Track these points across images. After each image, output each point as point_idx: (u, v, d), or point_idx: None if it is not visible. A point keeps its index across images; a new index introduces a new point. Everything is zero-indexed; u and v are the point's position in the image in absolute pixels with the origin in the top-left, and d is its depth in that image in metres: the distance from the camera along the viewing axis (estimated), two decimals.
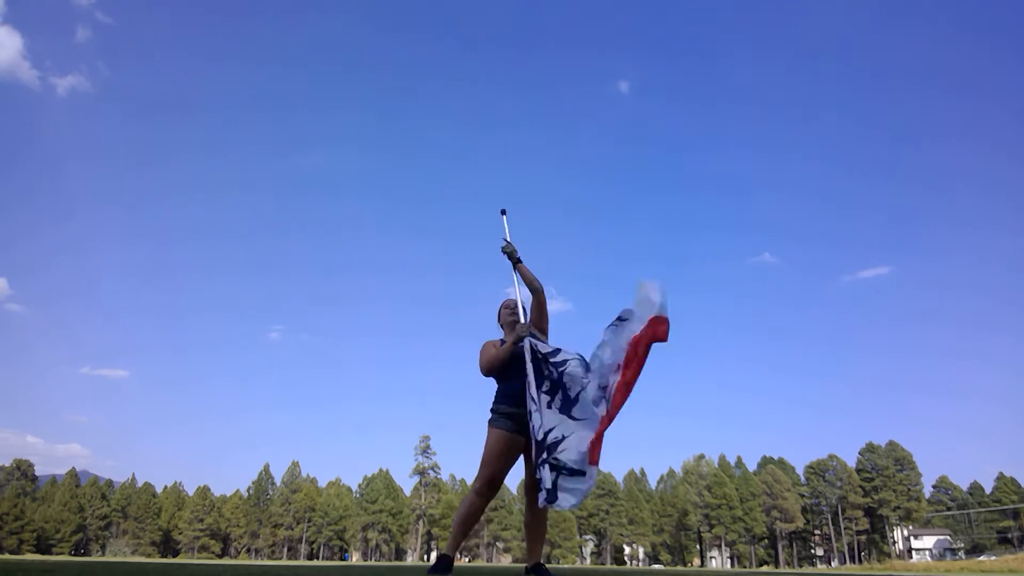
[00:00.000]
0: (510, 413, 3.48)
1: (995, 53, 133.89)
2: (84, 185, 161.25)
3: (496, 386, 3.68)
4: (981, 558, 59.37)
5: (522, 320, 3.69)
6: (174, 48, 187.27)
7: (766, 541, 78.19)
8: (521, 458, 3.53)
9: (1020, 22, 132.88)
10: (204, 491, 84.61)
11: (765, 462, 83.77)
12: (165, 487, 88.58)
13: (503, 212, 4.01)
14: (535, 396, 3.33)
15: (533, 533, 3.49)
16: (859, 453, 79.31)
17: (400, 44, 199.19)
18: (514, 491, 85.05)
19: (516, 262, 3.76)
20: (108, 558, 55.11)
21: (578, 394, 3.33)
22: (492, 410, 3.58)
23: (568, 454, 3.22)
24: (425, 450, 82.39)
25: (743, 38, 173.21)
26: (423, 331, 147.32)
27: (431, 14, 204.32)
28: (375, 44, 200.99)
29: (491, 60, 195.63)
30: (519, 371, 3.47)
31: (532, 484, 3.38)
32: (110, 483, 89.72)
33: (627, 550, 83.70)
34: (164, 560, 56.19)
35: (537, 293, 3.72)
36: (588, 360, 3.44)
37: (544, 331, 3.74)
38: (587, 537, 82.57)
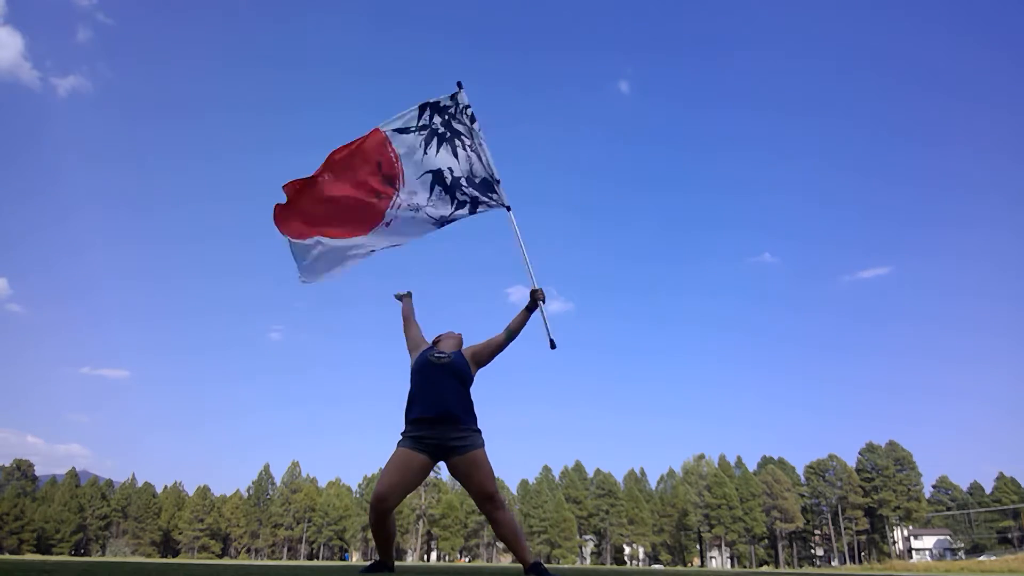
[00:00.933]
0: (418, 436, 3.40)
1: (994, 54, 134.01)
2: (85, 186, 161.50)
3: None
4: (981, 558, 59.36)
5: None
6: (175, 49, 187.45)
7: (766, 541, 78.16)
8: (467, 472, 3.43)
9: (1019, 24, 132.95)
10: (204, 491, 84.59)
11: (765, 462, 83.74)
12: (165, 487, 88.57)
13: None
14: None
15: (511, 538, 3.36)
16: (859, 453, 79.31)
17: (400, 46, 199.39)
18: (514, 491, 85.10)
19: (533, 307, 3.83)
20: (108, 558, 55.09)
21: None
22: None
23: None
24: None
25: (743, 38, 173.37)
26: (423, 330, 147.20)
27: (432, 15, 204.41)
28: (376, 45, 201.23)
29: (492, 61, 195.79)
30: (426, 380, 3.49)
31: (483, 498, 3.34)
32: (110, 483, 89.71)
33: (627, 550, 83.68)
34: (164, 560, 56.18)
35: (509, 337, 3.74)
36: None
37: (479, 363, 3.69)
38: (587, 537, 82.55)
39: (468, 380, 3.56)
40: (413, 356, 3.76)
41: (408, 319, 4.14)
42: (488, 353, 3.69)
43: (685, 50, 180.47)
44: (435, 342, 3.88)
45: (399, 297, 4.25)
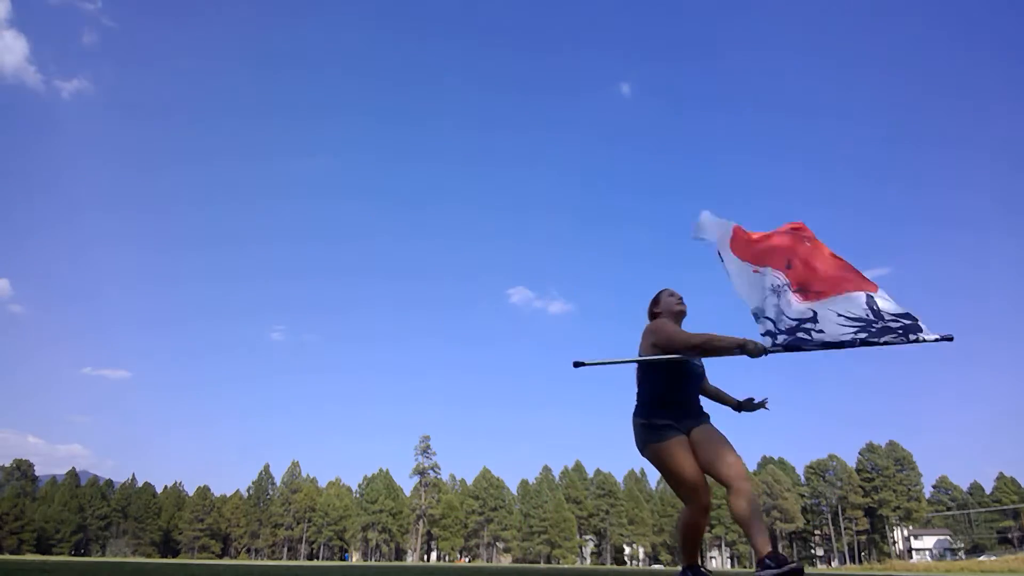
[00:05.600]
0: (667, 425, 3.16)
1: (993, 54, 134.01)
2: (86, 187, 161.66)
3: (650, 387, 3.27)
4: (981, 558, 59.37)
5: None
6: (178, 52, 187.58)
7: None
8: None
9: (1017, 25, 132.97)
10: (204, 491, 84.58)
11: (765, 462, 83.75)
12: (165, 487, 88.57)
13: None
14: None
15: (695, 535, 3.20)
16: (859, 453, 79.33)
17: (403, 50, 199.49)
18: (514, 491, 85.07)
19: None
20: (108, 558, 55.10)
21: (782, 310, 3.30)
22: (649, 423, 3.18)
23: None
24: (425, 450, 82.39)
25: (743, 42, 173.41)
26: (423, 331, 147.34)
27: (434, 19, 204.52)
28: (379, 49, 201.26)
29: (494, 65, 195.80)
30: (677, 375, 3.22)
31: (703, 482, 3.14)
32: (110, 483, 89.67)
33: (627, 550, 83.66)
34: (164, 560, 56.17)
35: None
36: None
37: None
38: (587, 537, 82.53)
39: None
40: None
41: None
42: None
43: (686, 53, 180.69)
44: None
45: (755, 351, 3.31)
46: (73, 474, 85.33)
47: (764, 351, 3.08)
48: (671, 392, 3.23)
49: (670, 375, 3.23)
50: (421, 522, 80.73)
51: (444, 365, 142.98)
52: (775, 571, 2.57)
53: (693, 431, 3.17)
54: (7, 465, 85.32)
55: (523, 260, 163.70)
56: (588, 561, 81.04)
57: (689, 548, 3.29)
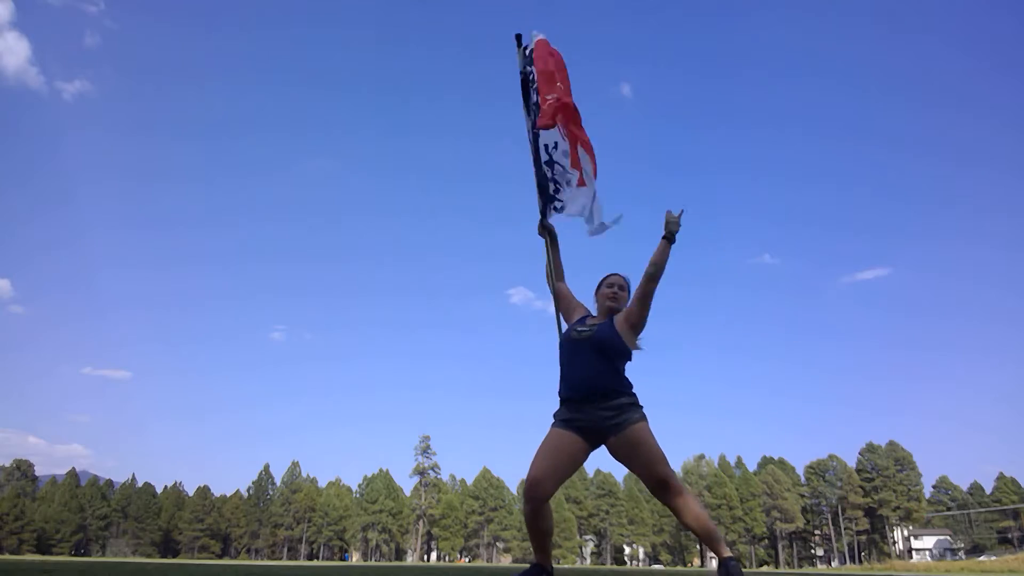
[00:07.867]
0: (568, 419, 2.97)
1: (991, 57, 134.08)
2: (88, 188, 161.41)
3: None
4: (981, 558, 59.36)
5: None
6: (181, 54, 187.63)
7: (766, 541, 78.15)
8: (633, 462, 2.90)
9: (1014, 30, 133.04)
10: (204, 491, 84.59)
11: (765, 462, 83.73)
12: (165, 487, 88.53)
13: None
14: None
15: (697, 529, 2.81)
16: (859, 453, 79.37)
17: (404, 46, 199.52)
18: (514, 491, 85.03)
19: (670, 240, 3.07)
20: (108, 558, 55.09)
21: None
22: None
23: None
24: (425, 450, 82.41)
25: (743, 42, 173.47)
26: (423, 333, 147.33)
27: (433, 18, 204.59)
28: (379, 47, 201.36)
29: (493, 65, 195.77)
30: (575, 357, 3.03)
31: (653, 483, 2.84)
32: (110, 483, 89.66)
33: (627, 550, 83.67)
34: (164, 560, 56.20)
35: (650, 279, 3.03)
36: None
37: (634, 324, 3.05)
38: (587, 537, 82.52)
39: (616, 353, 3.00)
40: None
41: (558, 277, 3.77)
42: (637, 311, 3.05)
43: (686, 52, 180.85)
44: (597, 292, 3.41)
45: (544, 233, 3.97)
46: (73, 474, 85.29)
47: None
48: None
49: None
50: (421, 522, 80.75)
51: (444, 366, 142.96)
52: None
53: None
54: (7, 465, 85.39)
55: (523, 260, 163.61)
56: (588, 561, 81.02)
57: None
